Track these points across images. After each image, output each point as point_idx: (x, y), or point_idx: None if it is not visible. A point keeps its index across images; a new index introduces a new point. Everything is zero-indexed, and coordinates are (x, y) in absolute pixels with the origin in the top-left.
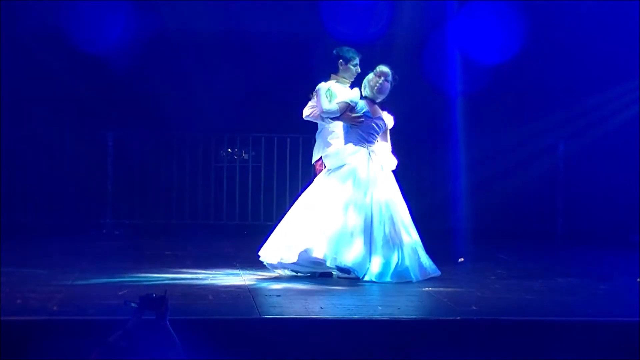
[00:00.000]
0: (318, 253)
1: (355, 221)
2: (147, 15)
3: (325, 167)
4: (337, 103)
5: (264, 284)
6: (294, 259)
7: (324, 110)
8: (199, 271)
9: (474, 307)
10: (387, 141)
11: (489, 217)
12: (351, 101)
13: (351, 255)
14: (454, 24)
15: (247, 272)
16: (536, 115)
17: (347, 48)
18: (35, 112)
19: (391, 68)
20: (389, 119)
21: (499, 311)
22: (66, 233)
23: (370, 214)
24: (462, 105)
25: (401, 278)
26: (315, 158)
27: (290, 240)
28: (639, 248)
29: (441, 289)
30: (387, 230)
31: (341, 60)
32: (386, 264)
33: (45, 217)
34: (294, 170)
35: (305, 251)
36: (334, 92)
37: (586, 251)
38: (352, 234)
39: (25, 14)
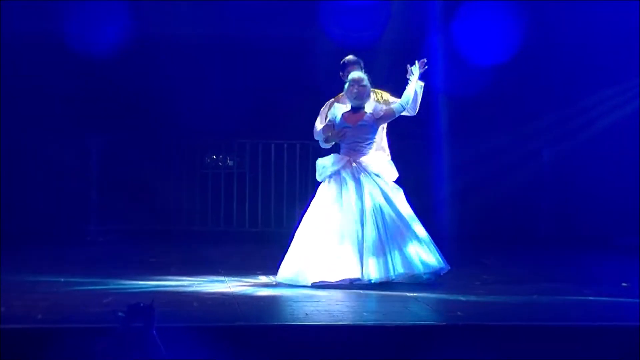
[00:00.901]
0: (315, 277)
1: (338, 235)
2: (135, 19)
3: None
4: (322, 128)
5: (249, 291)
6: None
7: (316, 137)
8: (184, 278)
9: (459, 313)
10: (394, 113)
11: (474, 222)
12: (329, 121)
13: (336, 271)
14: (442, 28)
15: (233, 278)
16: (522, 119)
17: (346, 58)
18: (17, 118)
19: (365, 72)
20: (372, 109)
21: (485, 316)
22: (50, 240)
23: (358, 221)
24: (448, 109)
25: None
26: None
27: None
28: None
29: (426, 294)
30: (379, 234)
31: (341, 72)
32: (379, 265)
33: (28, 224)
34: (279, 176)
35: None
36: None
37: (571, 255)
38: (333, 250)
39: (8, 18)
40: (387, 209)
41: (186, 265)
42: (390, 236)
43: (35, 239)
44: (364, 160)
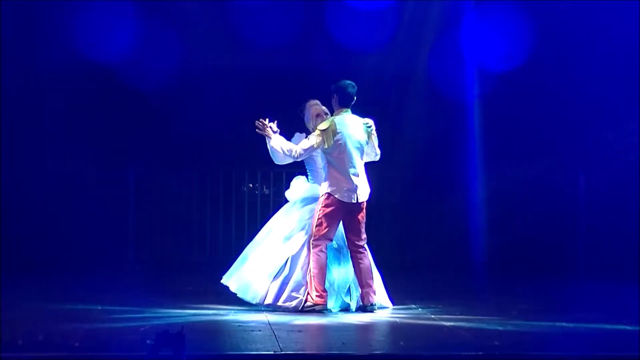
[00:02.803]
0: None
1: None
2: (168, 51)
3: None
4: None
5: (286, 319)
6: None
7: None
8: (221, 306)
9: (496, 342)
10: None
11: (509, 250)
12: None
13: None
14: (468, 43)
15: (269, 307)
16: (557, 146)
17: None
18: (56, 147)
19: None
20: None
21: (522, 346)
22: (88, 268)
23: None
24: (482, 137)
25: None
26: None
27: None
28: None
29: (462, 323)
30: None
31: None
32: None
33: (67, 252)
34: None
35: None
36: None
37: (607, 285)
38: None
39: (45, 45)
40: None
41: (223, 294)
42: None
43: (73, 268)
44: None
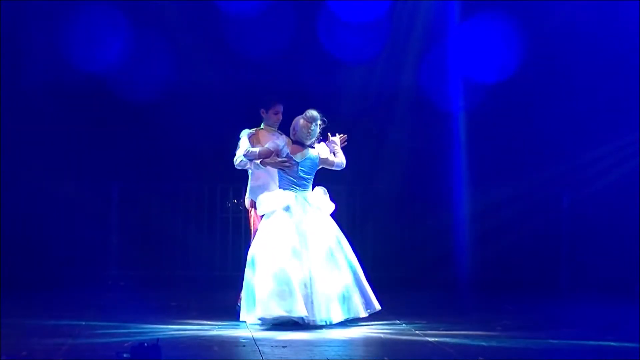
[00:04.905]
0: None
1: (294, 269)
2: (153, 66)
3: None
4: (259, 148)
5: (270, 335)
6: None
7: (244, 154)
8: (205, 322)
9: (480, 358)
10: (332, 165)
11: (493, 267)
12: (274, 147)
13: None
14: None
15: (253, 323)
16: (540, 165)
17: (268, 96)
18: (38, 162)
19: (319, 112)
20: (320, 149)
21: None
22: (71, 284)
23: (309, 257)
24: (467, 154)
25: (351, 314)
26: (247, 203)
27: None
28: None
29: (447, 339)
30: (332, 273)
31: (262, 109)
32: (333, 305)
33: (50, 268)
34: None
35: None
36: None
37: (591, 301)
38: (291, 284)
39: (30, 61)
40: (339, 246)
41: (207, 310)
42: (345, 276)
43: (56, 284)
44: (308, 195)
